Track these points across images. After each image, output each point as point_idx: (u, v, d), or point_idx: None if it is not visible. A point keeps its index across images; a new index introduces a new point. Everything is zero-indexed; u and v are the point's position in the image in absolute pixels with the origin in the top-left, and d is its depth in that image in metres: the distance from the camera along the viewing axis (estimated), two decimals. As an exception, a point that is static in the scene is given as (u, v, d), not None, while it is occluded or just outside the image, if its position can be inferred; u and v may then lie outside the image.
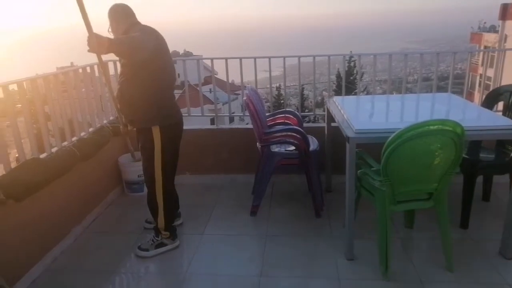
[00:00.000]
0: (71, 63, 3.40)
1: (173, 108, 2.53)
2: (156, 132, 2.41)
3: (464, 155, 2.66)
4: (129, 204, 3.38)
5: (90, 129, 3.17)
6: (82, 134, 3.06)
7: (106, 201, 3.29)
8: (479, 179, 2.87)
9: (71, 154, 2.72)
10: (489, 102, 2.93)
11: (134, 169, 3.39)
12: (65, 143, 2.83)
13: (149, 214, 2.65)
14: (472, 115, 2.68)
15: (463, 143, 2.06)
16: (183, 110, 3.23)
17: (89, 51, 2.06)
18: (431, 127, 2.03)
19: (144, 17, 2.49)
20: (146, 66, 2.30)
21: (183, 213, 2.99)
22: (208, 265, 2.50)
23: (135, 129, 2.59)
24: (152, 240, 2.60)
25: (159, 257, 2.58)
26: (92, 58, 3.41)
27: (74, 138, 2.94)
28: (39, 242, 2.45)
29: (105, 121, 3.43)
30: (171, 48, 2.63)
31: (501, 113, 2.97)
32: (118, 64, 3.55)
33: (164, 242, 2.61)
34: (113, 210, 3.27)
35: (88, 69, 3.23)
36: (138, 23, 2.44)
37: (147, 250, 2.58)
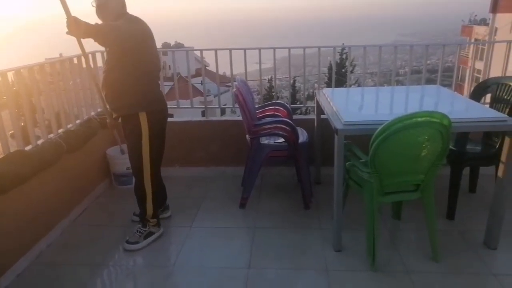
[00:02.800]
0: (60, 54, 3.33)
1: (158, 94, 2.53)
2: (143, 119, 2.41)
3: (451, 147, 2.69)
4: (117, 196, 3.35)
5: (77, 121, 3.12)
6: (69, 126, 3.01)
7: (94, 193, 3.26)
8: (466, 171, 2.91)
9: (57, 146, 2.68)
10: (477, 95, 2.95)
11: (122, 162, 3.36)
12: (51, 135, 2.79)
13: (136, 207, 2.63)
14: (460, 107, 2.70)
15: (450, 135, 2.07)
16: (173, 103, 3.21)
17: (67, 33, 2.11)
18: (419, 119, 2.04)
19: (134, 8, 2.46)
20: (130, 52, 2.31)
21: (171, 206, 2.97)
22: (196, 257, 2.50)
23: (120, 119, 2.56)
24: (140, 232, 2.60)
25: (147, 250, 2.57)
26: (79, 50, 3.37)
27: (60, 130, 2.89)
28: (25, 235, 2.42)
29: (92, 113, 3.38)
30: (163, 40, 2.62)
31: (488, 105, 2.99)
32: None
33: (152, 231, 2.62)
34: (101, 202, 3.24)
35: (75, 60, 3.18)
36: (126, 13, 2.41)
37: (137, 242, 2.56)
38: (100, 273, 2.35)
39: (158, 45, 2.63)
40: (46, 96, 2.80)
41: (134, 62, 2.34)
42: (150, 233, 2.61)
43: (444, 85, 3.32)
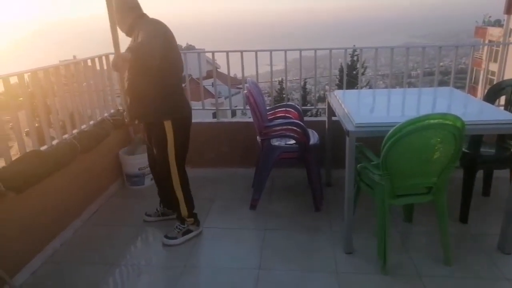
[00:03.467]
0: (74, 56, 3.40)
1: (183, 101, 2.57)
2: (168, 126, 2.44)
3: (464, 150, 2.66)
4: (129, 197, 3.39)
5: (91, 122, 3.17)
6: (83, 126, 3.06)
7: (106, 194, 3.31)
8: (480, 173, 2.87)
9: (71, 147, 2.73)
10: (491, 97, 2.91)
11: (134, 162, 3.40)
12: (66, 135, 2.83)
13: (148, 207, 2.66)
14: (473, 109, 2.66)
15: (463, 137, 2.05)
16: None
17: (114, 69, 2.20)
18: (431, 121, 2.02)
19: (146, 10, 2.48)
20: (157, 64, 2.30)
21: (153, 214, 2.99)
22: (207, 258, 2.51)
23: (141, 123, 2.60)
24: (179, 228, 2.65)
25: (159, 251, 2.60)
26: (94, 52, 3.43)
27: (74, 131, 2.94)
28: (39, 234, 2.46)
29: (106, 114, 3.43)
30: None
31: (502, 108, 2.95)
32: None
33: (190, 229, 2.68)
34: (113, 203, 3.28)
35: (89, 62, 3.23)
36: (144, 15, 2.44)
37: (175, 238, 2.62)
38: (112, 273, 2.38)
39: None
40: (61, 98, 2.85)
41: (162, 71, 2.36)
42: (189, 231, 2.67)
43: (457, 87, 3.28)
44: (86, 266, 2.43)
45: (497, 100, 3.05)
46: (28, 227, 2.36)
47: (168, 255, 2.55)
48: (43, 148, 2.57)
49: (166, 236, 2.64)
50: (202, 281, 2.29)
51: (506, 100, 2.87)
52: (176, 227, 2.67)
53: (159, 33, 2.31)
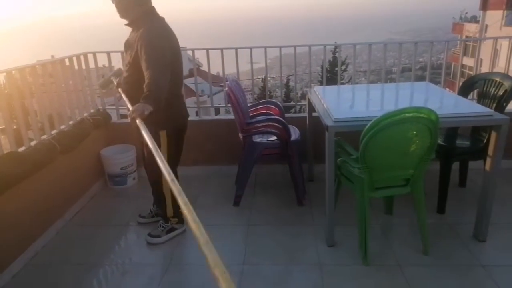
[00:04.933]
0: (52, 56, 3.33)
1: (181, 110, 2.55)
2: (163, 136, 2.42)
3: (441, 142, 2.74)
4: (112, 196, 3.36)
5: (70, 122, 3.13)
6: (62, 127, 3.02)
7: (88, 194, 3.28)
8: (456, 165, 2.96)
9: (50, 147, 2.70)
10: (464, 90, 3.00)
11: (117, 162, 3.38)
12: (45, 136, 2.80)
13: (131, 207, 2.65)
14: (448, 103, 2.74)
15: (438, 129, 2.11)
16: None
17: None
18: (407, 115, 2.08)
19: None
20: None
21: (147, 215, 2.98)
22: (191, 255, 2.53)
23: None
24: (162, 227, 2.65)
25: (143, 250, 2.60)
26: (72, 51, 3.38)
27: (53, 131, 2.91)
28: (20, 236, 2.43)
29: (85, 114, 3.39)
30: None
31: (475, 101, 3.04)
32: (100, 56, 3.53)
33: (174, 227, 2.68)
34: (96, 203, 3.25)
35: (67, 62, 3.19)
36: (153, 11, 2.32)
37: (158, 236, 2.62)
38: (96, 273, 2.37)
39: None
40: (39, 98, 2.81)
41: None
42: (173, 229, 2.67)
43: (435, 82, 3.37)
44: (69, 267, 2.41)
45: (471, 94, 3.15)
46: (8, 229, 2.33)
47: (152, 254, 2.55)
48: (21, 149, 2.53)
49: (149, 235, 2.64)
50: (187, 278, 2.31)
51: (478, 94, 2.96)
52: (160, 225, 2.67)
53: (165, 53, 2.21)
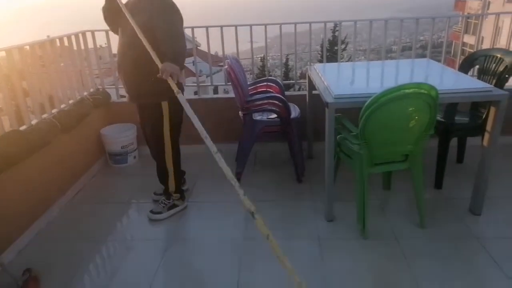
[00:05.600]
0: (48, 36, 3.29)
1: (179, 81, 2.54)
2: (165, 108, 2.45)
3: (440, 118, 2.76)
4: (113, 175, 3.40)
5: (70, 101, 3.13)
6: (62, 106, 3.03)
7: (90, 172, 3.31)
8: (454, 142, 2.98)
9: (51, 126, 2.71)
10: (465, 67, 2.99)
11: (117, 141, 3.40)
12: (45, 115, 2.81)
13: (141, 186, 2.70)
14: (448, 79, 2.74)
15: (437, 105, 2.12)
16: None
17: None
18: (407, 91, 2.09)
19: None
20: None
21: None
22: (193, 230, 2.58)
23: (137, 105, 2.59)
24: (164, 203, 2.69)
25: (146, 226, 2.65)
26: (69, 30, 3.33)
27: (54, 110, 2.91)
28: (23, 213, 2.48)
29: (85, 93, 3.39)
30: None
31: (476, 77, 3.04)
32: (99, 35, 3.49)
33: (176, 204, 2.72)
34: (97, 181, 3.29)
35: (66, 41, 3.16)
36: None
37: (160, 213, 2.67)
38: (99, 248, 2.42)
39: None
40: (39, 78, 2.80)
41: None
42: (174, 205, 2.72)
43: (436, 61, 3.35)
44: (73, 243, 2.46)
45: (471, 70, 3.14)
46: (11, 206, 2.37)
47: (155, 229, 2.60)
48: (22, 128, 2.55)
49: (151, 211, 2.68)
50: (189, 252, 2.36)
51: (479, 70, 2.96)
52: (161, 201, 2.71)
53: (180, 21, 2.34)
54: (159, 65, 2.12)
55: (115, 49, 3.69)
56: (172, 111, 2.47)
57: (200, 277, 2.16)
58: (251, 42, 3.60)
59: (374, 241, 2.32)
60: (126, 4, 2.35)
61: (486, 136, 2.35)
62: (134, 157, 3.56)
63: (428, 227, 2.40)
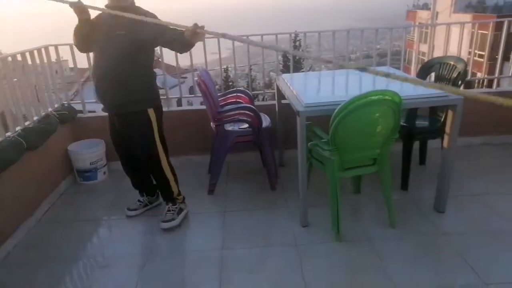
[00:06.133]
0: None
1: (158, 89, 2.62)
2: (152, 114, 2.48)
3: (402, 123, 2.91)
4: (82, 192, 3.31)
5: (35, 118, 3.03)
6: (27, 123, 2.92)
7: (58, 190, 3.20)
8: (416, 145, 3.15)
9: (16, 144, 2.61)
10: (422, 73, 3.19)
11: (86, 157, 3.32)
12: (9, 133, 2.70)
13: (113, 202, 2.63)
14: (408, 86, 2.89)
15: (401, 111, 2.26)
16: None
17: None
18: (373, 98, 2.21)
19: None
20: (148, 44, 2.37)
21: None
22: (171, 243, 2.56)
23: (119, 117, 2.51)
24: (172, 210, 2.69)
25: (123, 240, 2.62)
26: (22, 46, 3.16)
27: (18, 128, 2.80)
28: (-10, 236, 2.36)
29: (50, 109, 3.28)
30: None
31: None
32: (61, 50, 3.40)
33: (181, 207, 2.75)
34: (66, 199, 3.19)
35: (19, 57, 3.00)
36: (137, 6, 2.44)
37: (173, 219, 2.66)
38: (74, 267, 2.34)
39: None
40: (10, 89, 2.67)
41: (151, 54, 2.43)
42: (181, 209, 2.74)
43: (394, 67, 3.54)
44: (45, 264, 2.37)
45: (428, 77, 3.35)
46: (-23, 230, 2.25)
47: (130, 245, 2.56)
48: (-15, 147, 2.44)
49: (163, 221, 2.65)
50: (168, 266, 2.33)
51: (435, 76, 3.16)
52: (169, 209, 2.70)
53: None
54: (187, 27, 2.06)
55: (79, 63, 3.62)
56: (158, 117, 2.52)
57: (181, 290, 2.15)
58: (220, 54, 3.64)
59: (349, 243, 2.41)
60: (111, 23, 2.33)
61: (446, 138, 2.51)
62: (104, 172, 3.48)
63: (398, 227, 2.52)
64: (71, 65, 3.58)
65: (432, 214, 2.66)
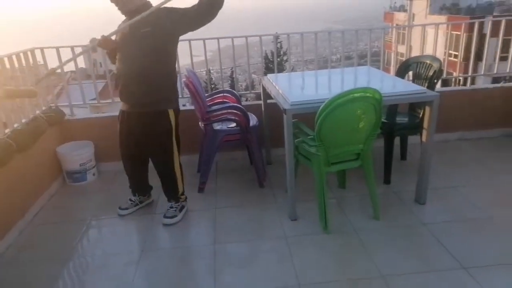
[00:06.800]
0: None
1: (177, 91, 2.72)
2: (171, 114, 2.58)
3: (383, 120, 3.05)
4: (72, 193, 3.33)
5: (23, 120, 3.04)
6: (16, 125, 2.93)
7: (48, 192, 3.21)
8: (397, 141, 3.30)
9: (7, 146, 2.63)
10: (401, 72, 3.34)
11: (75, 158, 3.34)
12: (-2, 135, 2.71)
13: (103, 203, 2.72)
14: (388, 84, 3.06)
15: (382, 107, 2.39)
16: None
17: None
18: (355, 95, 2.33)
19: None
20: (177, 30, 2.47)
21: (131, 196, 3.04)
22: (163, 240, 2.62)
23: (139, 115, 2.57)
24: (174, 207, 2.79)
25: (115, 239, 2.67)
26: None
27: (7, 130, 2.82)
28: (-18, 238, 2.37)
29: (37, 111, 3.29)
30: (100, 33, 2.63)
31: (411, 81, 3.40)
32: (48, 52, 3.41)
33: (183, 205, 2.86)
34: (56, 201, 3.20)
35: (14, 59, 3.02)
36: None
37: (175, 216, 2.75)
38: (68, 267, 2.38)
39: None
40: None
41: (173, 53, 2.53)
42: (183, 207, 2.84)
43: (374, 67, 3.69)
44: (40, 264, 2.40)
45: (406, 75, 3.51)
46: (-30, 232, 2.27)
47: (123, 243, 2.60)
48: (-24, 149, 2.45)
49: (165, 217, 2.74)
50: (162, 263, 2.39)
51: (413, 75, 3.32)
52: (171, 206, 2.79)
53: None
54: None
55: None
56: (176, 118, 2.63)
57: (177, 283, 2.21)
58: (205, 55, 3.72)
59: (336, 235, 2.52)
60: (128, 28, 2.43)
61: (424, 133, 2.66)
62: (93, 174, 3.50)
63: (382, 219, 2.65)
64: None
65: (413, 206, 2.80)
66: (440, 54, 4.24)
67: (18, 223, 2.74)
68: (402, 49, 4.81)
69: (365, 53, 4.61)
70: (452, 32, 4.30)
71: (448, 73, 4.99)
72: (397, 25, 22.03)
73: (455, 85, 5.15)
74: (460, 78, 5.56)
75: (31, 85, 2.97)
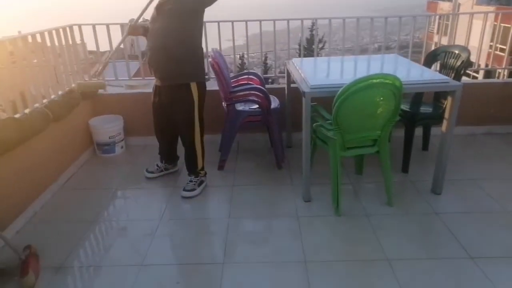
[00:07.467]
0: (19, 31, 3.33)
1: (203, 64, 2.80)
2: (194, 88, 2.69)
3: (406, 108, 3.05)
4: (101, 163, 3.54)
5: (60, 92, 3.25)
6: (53, 96, 3.15)
7: (79, 161, 3.44)
8: (420, 132, 3.27)
9: (44, 115, 2.84)
10: (428, 62, 3.29)
11: (105, 131, 3.54)
12: (37, 105, 2.93)
13: (121, 173, 2.93)
14: (413, 72, 3.02)
15: (401, 94, 2.39)
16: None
17: None
18: (374, 81, 2.34)
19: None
20: (196, 16, 2.60)
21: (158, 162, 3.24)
22: (181, 212, 2.78)
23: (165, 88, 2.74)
24: (194, 181, 2.93)
25: (136, 205, 2.87)
26: (41, 27, 3.32)
27: (45, 100, 3.03)
28: (18, 197, 2.60)
29: (73, 85, 3.51)
30: (129, 16, 2.79)
31: (438, 71, 3.34)
32: (86, 29, 3.60)
33: (203, 180, 2.98)
34: (86, 169, 3.43)
35: (39, 37, 3.09)
36: None
37: (193, 189, 2.89)
38: (93, 228, 2.58)
39: (125, 21, 2.84)
40: (10, 76, 2.81)
41: (199, 26, 2.64)
42: (202, 181, 2.97)
43: (413, 61, 3.57)
44: (67, 225, 2.61)
45: (434, 65, 3.44)
46: (7, 189, 2.50)
47: (145, 211, 2.77)
48: (17, 115, 2.67)
49: (184, 190, 2.89)
50: (179, 229, 2.54)
51: (440, 65, 3.26)
52: (191, 180, 2.93)
53: None
54: None
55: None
56: (200, 92, 2.72)
57: (190, 250, 2.35)
58: (233, 39, 3.78)
59: (347, 218, 2.58)
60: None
61: (445, 122, 2.63)
62: (122, 147, 3.70)
63: (395, 206, 2.67)
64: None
65: (428, 196, 2.80)
66: (485, 47, 4.04)
67: (51, 186, 2.97)
68: (444, 41, 4.62)
69: (405, 44, 4.47)
70: (501, 24, 4.08)
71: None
72: (441, 13, 21.13)
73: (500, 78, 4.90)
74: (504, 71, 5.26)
75: (93, 75, 3.26)
